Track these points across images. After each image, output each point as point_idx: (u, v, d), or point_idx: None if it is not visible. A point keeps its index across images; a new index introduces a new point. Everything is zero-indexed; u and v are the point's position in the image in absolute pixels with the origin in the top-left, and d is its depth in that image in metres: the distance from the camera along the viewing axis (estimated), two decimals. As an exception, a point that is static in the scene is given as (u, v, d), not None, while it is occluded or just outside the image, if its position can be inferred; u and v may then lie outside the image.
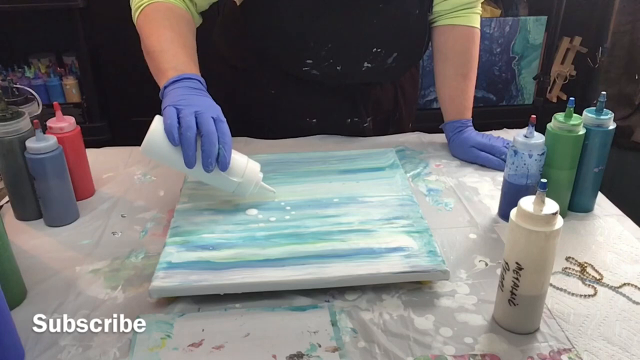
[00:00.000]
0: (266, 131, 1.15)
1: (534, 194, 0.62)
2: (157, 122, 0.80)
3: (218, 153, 0.78)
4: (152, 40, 0.91)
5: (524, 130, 0.83)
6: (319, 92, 1.12)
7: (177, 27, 0.93)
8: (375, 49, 1.06)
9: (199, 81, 0.87)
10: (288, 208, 0.87)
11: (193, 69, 0.88)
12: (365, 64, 1.07)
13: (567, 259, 0.80)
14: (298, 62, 1.06)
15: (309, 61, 1.05)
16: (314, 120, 1.15)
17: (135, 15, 0.97)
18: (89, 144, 0.98)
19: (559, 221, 0.62)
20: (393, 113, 1.23)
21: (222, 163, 0.79)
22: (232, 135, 0.90)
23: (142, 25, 0.95)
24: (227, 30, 1.18)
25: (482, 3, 1.13)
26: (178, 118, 0.78)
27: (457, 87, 1.11)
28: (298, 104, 1.13)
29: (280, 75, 1.11)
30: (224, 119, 0.81)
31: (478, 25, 1.12)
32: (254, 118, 1.17)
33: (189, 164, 0.78)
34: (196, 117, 0.78)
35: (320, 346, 0.64)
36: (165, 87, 0.85)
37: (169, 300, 0.71)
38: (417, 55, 1.15)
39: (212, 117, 0.79)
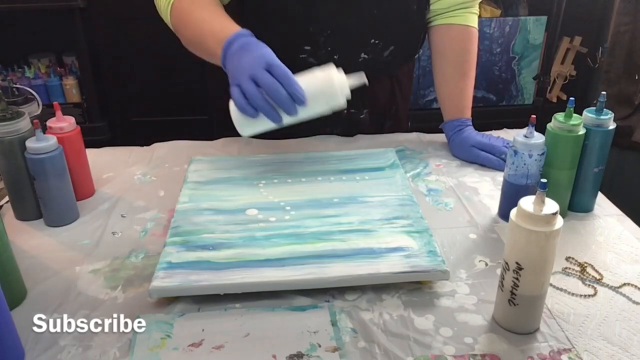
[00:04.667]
0: None
1: (534, 194, 0.62)
2: (232, 106, 0.84)
3: (289, 96, 0.81)
4: (190, 31, 0.94)
5: (524, 130, 0.83)
6: None
7: (206, 5, 0.95)
8: (373, 40, 1.07)
9: (241, 35, 0.87)
10: (288, 208, 0.87)
11: (231, 29, 0.89)
12: (363, 55, 1.08)
13: (567, 259, 0.80)
14: (296, 48, 1.06)
15: (307, 47, 1.06)
16: None
17: (167, 10, 0.98)
18: (89, 144, 0.98)
19: (559, 221, 0.62)
20: (390, 106, 1.24)
21: (298, 100, 0.81)
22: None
23: (176, 20, 0.97)
24: None
25: (482, 3, 1.13)
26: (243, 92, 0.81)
27: (456, 86, 1.11)
28: None
29: None
30: (275, 62, 0.82)
31: (475, 25, 1.13)
32: None
33: (277, 120, 0.82)
34: (253, 80, 0.81)
35: (320, 346, 0.64)
36: (224, 65, 0.87)
37: (169, 300, 0.71)
38: (413, 51, 1.17)
39: (264, 69, 0.81)
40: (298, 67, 1.08)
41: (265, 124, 0.84)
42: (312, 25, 1.04)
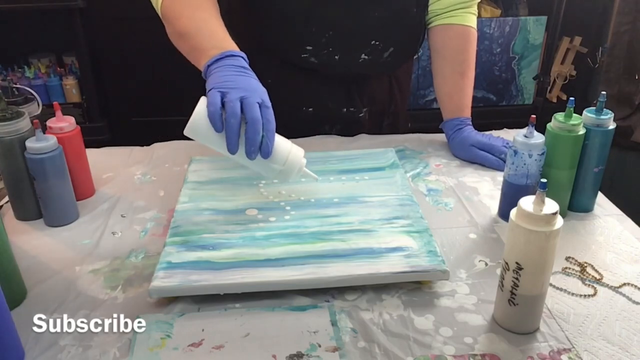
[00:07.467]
0: None
1: (534, 194, 0.62)
2: (203, 104, 0.78)
3: (261, 140, 0.77)
4: (184, 21, 0.91)
5: (524, 130, 0.83)
6: (315, 81, 1.13)
7: (206, 6, 0.93)
8: (373, 42, 1.07)
9: (242, 57, 0.85)
10: (288, 208, 0.87)
11: (233, 45, 0.86)
12: (363, 56, 1.09)
13: (567, 259, 0.80)
14: (298, 48, 1.07)
15: (308, 47, 1.06)
16: (310, 109, 1.16)
17: (158, 1, 0.95)
18: (89, 144, 0.98)
19: (559, 221, 0.62)
20: (389, 105, 1.24)
21: (265, 151, 0.78)
22: None
23: (169, 8, 0.93)
24: (226, 23, 1.19)
25: (482, 3, 1.13)
26: (223, 102, 0.77)
27: (455, 85, 1.12)
28: (294, 93, 1.14)
29: (278, 64, 1.12)
30: (269, 104, 0.79)
31: (474, 25, 1.13)
32: None
33: (232, 150, 0.77)
34: (241, 102, 0.76)
35: (320, 346, 0.64)
36: (208, 66, 0.83)
37: (169, 300, 0.71)
38: (412, 53, 1.18)
39: (258, 103, 0.77)
40: (300, 66, 1.09)
41: (214, 143, 0.78)
42: (314, 26, 1.04)
